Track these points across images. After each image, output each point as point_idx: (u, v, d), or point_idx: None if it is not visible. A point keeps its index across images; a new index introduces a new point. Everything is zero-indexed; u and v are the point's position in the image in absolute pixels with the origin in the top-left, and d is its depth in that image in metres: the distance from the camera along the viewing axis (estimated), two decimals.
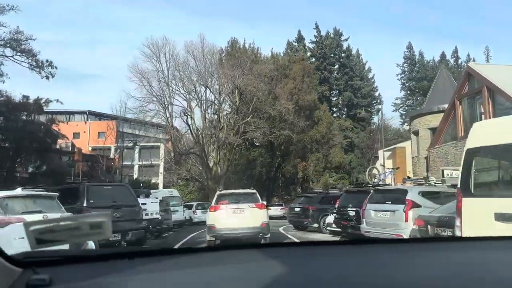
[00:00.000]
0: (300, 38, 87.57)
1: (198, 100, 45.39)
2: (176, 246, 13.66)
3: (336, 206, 18.54)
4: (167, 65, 46.32)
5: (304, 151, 51.65)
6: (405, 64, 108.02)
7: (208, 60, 44.29)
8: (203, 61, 43.88)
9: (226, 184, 51.39)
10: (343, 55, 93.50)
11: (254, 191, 16.26)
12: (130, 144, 68.69)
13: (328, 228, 20.29)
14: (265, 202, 17.02)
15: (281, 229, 25.95)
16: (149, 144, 63.73)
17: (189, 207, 35.91)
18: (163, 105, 47.05)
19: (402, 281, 1.44)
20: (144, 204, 17.97)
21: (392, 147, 76.31)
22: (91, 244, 6.11)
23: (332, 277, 1.47)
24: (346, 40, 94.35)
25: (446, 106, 31.82)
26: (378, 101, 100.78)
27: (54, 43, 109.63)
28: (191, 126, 45.24)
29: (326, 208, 22.22)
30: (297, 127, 48.19)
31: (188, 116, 44.39)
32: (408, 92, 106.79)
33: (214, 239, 13.94)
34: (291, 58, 56.45)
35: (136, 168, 68.01)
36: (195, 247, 1.98)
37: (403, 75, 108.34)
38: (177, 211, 28.43)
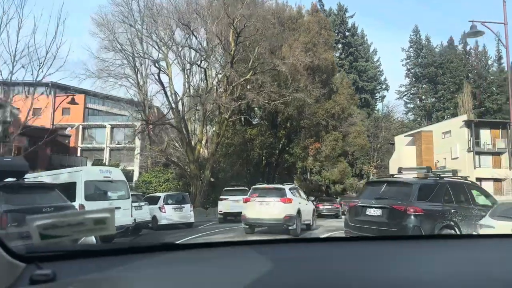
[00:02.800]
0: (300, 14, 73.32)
1: (177, 53, 30.62)
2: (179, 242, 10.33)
3: None
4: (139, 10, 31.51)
5: (317, 128, 36.80)
6: (411, 49, 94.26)
7: None
8: None
9: (215, 171, 36.55)
10: (347, 33, 79.47)
11: (284, 187, 15.99)
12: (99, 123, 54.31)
13: None
14: (293, 197, 15.34)
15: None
16: (123, 123, 48.78)
17: (153, 201, 21.25)
18: (131, 61, 32.18)
19: (401, 278, 1.37)
20: None
21: (415, 131, 62.37)
22: (91, 239, 5.54)
23: (329, 273, 1.39)
24: (351, 17, 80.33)
25: None
26: (384, 86, 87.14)
27: None
28: (169, 88, 30.42)
29: (446, 211, 9.33)
30: (311, 95, 33.59)
31: (161, 71, 29.54)
32: (413, 79, 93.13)
33: (247, 226, 15.15)
34: (299, 12, 41.22)
35: (107, 151, 52.96)
36: (197, 243, 1.79)
37: (408, 60, 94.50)
38: (119, 208, 13.40)
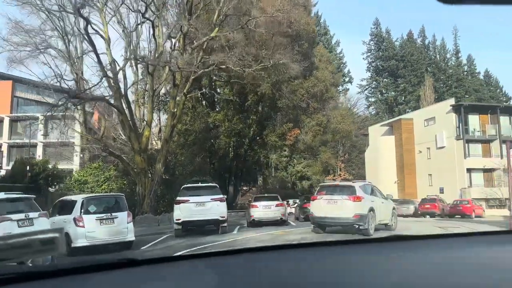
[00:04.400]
0: None
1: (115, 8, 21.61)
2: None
3: None
4: None
5: (296, 111, 28.91)
6: (372, 42, 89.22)
7: None
8: None
9: (170, 166, 27.79)
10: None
11: (353, 184, 14.31)
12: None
13: None
14: (364, 195, 13.67)
15: None
16: (60, 114, 38.46)
17: (66, 208, 12.54)
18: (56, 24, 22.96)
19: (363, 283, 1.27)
20: None
21: (393, 119, 55.74)
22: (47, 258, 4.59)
23: (303, 279, 1.28)
24: (314, 5, 73.43)
25: None
26: (348, 78, 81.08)
27: None
28: (107, 57, 21.48)
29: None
30: (289, 69, 25.71)
31: (91, 26, 20.39)
32: (374, 73, 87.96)
33: (315, 224, 14.20)
34: None
35: (40, 147, 42.57)
36: (158, 257, 1.54)
37: (369, 53, 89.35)
38: None
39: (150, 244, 13.79)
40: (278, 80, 25.62)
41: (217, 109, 30.27)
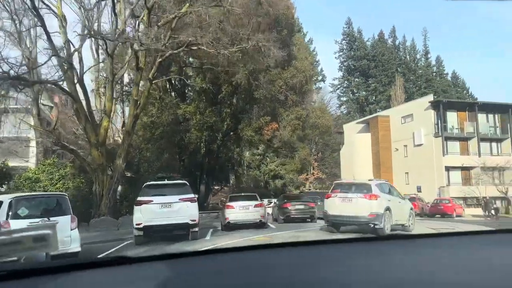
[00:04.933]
0: None
1: None
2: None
3: None
4: None
5: (274, 104, 26.39)
6: (344, 41, 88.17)
7: None
8: None
9: (134, 162, 24.70)
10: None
11: (369, 182, 13.82)
12: None
13: None
14: (380, 193, 13.01)
15: None
16: (11, 106, 34.23)
17: None
18: None
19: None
20: None
21: (370, 116, 53.90)
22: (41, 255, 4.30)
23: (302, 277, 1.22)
24: None
25: None
26: (321, 77, 79.45)
27: None
28: (61, 36, 18.22)
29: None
30: (267, 57, 23.28)
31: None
32: (346, 72, 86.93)
33: (329, 223, 13.78)
34: None
35: None
36: (150, 256, 1.48)
37: (341, 53, 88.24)
38: None
39: (104, 254, 10.93)
40: (255, 69, 23.01)
41: (188, 101, 27.34)
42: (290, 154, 28.52)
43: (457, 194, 35.01)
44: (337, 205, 13.13)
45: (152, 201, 12.44)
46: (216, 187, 51.60)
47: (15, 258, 1.27)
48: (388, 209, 12.79)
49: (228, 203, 16.66)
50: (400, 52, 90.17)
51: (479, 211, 32.95)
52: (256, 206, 16.44)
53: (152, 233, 12.71)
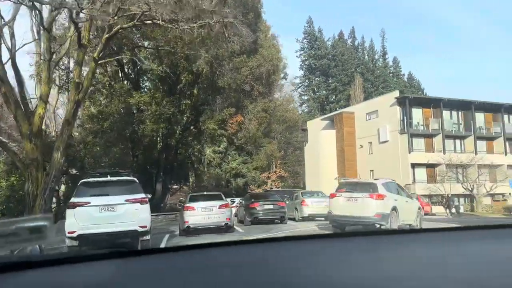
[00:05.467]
0: None
1: None
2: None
3: None
4: None
5: (239, 95, 23.83)
6: (305, 40, 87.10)
7: None
8: None
9: (77, 157, 21.22)
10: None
11: (375, 181, 13.19)
12: None
13: None
14: (386, 193, 12.45)
15: None
16: None
17: None
18: None
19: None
20: None
21: (334, 112, 52.12)
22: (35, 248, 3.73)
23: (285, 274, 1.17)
24: None
25: None
26: (283, 74, 77.71)
27: None
28: None
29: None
30: (231, 42, 20.72)
31: None
32: (307, 71, 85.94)
33: (334, 223, 13.13)
34: None
35: None
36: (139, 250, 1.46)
37: (302, 51, 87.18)
38: None
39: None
40: (218, 54, 20.34)
41: (143, 90, 24.21)
42: (256, 150, 25.94)
43: (423, 191, 33.96)
44: (342, 205, 12.55)
45: (89, 202, 9.54)
46: (174, 186, 48.33)
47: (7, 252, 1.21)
48: (394, 209, 12.20)
49: (188, 204, 13.92)
50: (359, 52, 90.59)
51: (442, 209, 32.11)
52: (221, 207, 13.81)
53: (91, 244, 9.82)
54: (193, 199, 14.42)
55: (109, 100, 21.02)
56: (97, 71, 20.98)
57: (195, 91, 23.70)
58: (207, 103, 23.78)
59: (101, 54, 16.56)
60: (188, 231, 13.61)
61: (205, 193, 16.03)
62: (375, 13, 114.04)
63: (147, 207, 10.37)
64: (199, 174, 32.00)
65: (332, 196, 13.47)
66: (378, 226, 11.97)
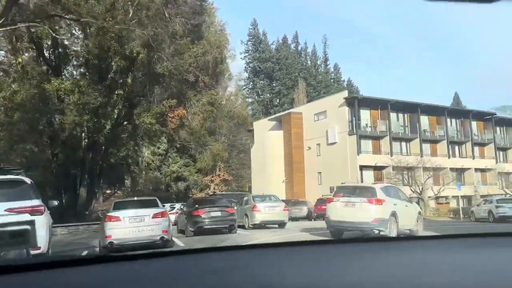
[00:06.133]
0: None
1: None
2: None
3: None
4: None
5: (181, 86, 20.51)
6: (249, 43, 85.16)
7: None
8: None
9: None
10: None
11: (374, 186, 12.83)
12: None
13: None
14: (385, 197, 11.87)
15: None
16: None
17: None
18: None
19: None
20: None
21: (283, 113, 49.30)
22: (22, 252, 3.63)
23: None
24: None
25: None
26: (227, 75, 74.83)
27: None
28: None
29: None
30: (173, 22, 17.51)
31: None
32: (252, 74, 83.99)
33: (331, 229, 12.51)
34: None
35: None
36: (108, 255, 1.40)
37: (247, 54, 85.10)
38: None
39: None
40: (156, 35, 16.99)
41: (65, 77, 20.09)
42: (200, 149, 22.69)
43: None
44: (339, 210, 12.00)
45: None
46: (108, 191, 43.37)
47: None
48: (394, 214, 11.70)
49: (111, 213, 10.47)
50: (302, 57, 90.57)
51: None
52: (155, 216, 10.46)
53: None
54: (119, 206, 10.93)
55: (21, 86, 16.79)
56: (6, 47, 16.77)
57: (129, 80, 20.00)
58: (144, 94, 20.17)
59: (1, 20, 12.61)
60: (112, 248, 10.13)
61: (135, 198, 12.52)
62: (317, 21, 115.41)
63: (44, 219, 7.07)
64: (134, 177, 27.92)
65: (329, 201, 12.96)
66: (377, 232, 11.37)
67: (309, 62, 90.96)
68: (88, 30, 18.79)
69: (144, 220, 10.34)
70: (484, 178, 38.56)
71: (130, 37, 17.26)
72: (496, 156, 39.59)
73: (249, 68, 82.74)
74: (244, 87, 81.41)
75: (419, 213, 13.87)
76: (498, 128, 41.12)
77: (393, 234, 11.53)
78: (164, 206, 12.82)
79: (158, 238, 10.49)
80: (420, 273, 1.19)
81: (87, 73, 19.98)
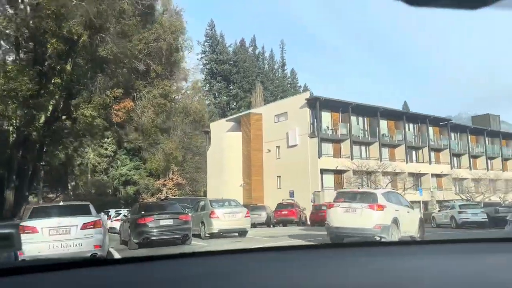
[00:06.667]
0: None
1: None
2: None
3: None
4: None
5: (129, 75, 17.91)
6: (206, 44, 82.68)
7: None
8: None
9: None
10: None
11: (375, 191, 12.44)
12: None
13: None
14: (386, 203, 11.81)
15: None
16: None
17: None
18: None
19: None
20: None
21: (242, 113, 46.59)
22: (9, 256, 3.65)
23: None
24: None
25: None
26: (183, 75, 71.73)
27: None
28: None
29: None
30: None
31: None
32: (209, 75, 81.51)
33: (332, 235, 12.13)
34: None
35: None
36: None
37: (203, 55, 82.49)
38: None
39: None
40: (100, 12, 14.39)
41: None
42: (151, 149, 20.07)
43: (331, 199, 31.22)
44: (340, 216, 11.70)
45: None
46: (50, 195, 39.29)
47: None
48: (395, 220, 11.45)
49: (26, 223, 7.86)
50: (259, 61, 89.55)
51: None
52: (85, 227, 7.96)
53: None
54: (38, 214, 8.30)
55: None
56: None
57: (68, 67, 17.10)
58: (85, 83, 17.34)
59: None
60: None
61: (61, 203, 9.84)
62: (274, 26, 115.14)
63: None
64: (74, 179, 24.67)
65: (330, 206, 12.70)
66: (378, 238, 11.03)
67: (266, 66, 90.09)
68: (19, 7, 15.80)
69: (70, 232, 7.80)
70: (439, 184, 38.58)
71: (69, 15, 14.54)
72: (451, 161, 39.82)
73: (205, 70, 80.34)
74: (201, 89, 78.89)
75: (421, 219, 13.45)
76: (453, 134, 41.51)
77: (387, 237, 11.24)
78: (101, 213, 10.31)
79: (89, 254, 7.99)
80: (420, 278, 1.16)
81: (17, 57, 16.88)
